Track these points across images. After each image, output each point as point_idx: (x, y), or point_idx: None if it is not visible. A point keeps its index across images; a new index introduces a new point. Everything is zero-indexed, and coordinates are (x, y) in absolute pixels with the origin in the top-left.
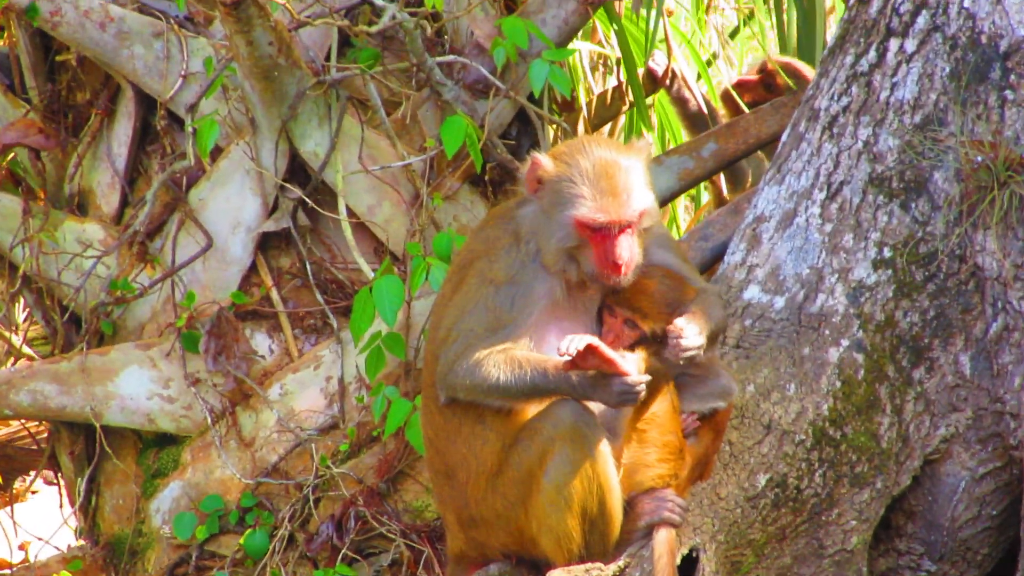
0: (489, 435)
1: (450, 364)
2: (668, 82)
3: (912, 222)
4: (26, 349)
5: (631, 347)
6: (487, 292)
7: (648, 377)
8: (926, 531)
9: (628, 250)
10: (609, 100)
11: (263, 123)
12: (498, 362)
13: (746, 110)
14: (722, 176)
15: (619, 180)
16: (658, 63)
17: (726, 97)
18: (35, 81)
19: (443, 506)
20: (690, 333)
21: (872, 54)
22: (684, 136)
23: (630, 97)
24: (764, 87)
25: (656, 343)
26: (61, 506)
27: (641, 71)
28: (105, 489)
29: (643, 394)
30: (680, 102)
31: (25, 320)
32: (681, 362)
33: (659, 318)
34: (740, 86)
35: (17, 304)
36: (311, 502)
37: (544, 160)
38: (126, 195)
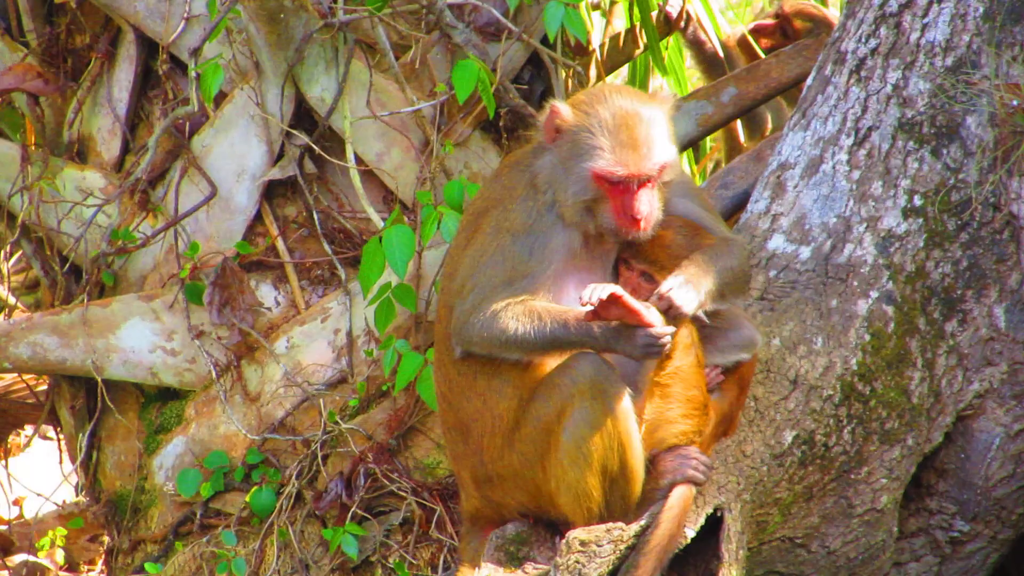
0: (506, 389)
1: (466, 316)
2: (683, 24)
3: (944, 169)
4: (12, 300)
5: (648, 299)
6: (503, 242)
7: (674, 329)
8: (958, 490)
9: (647, 204)
10: (622, 43)
11: (268, 67)
12: (516, 313)
13: (763, 56)
14: (739, 122)
15: (640, 132)
16: (673, 5)
17: (743, 43)
18: (33, 24)
19: (457, 464)
20: (678, 294)
21: None
22: (693, 83)
23: (644, 40)
24: (781, 32)
25: None
26: (61, 462)
27: (655, 13)
28: (106, 445)
29: (668, 346)
30: (696, 45)
31: (19, 269)
32: (680, 317)
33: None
34: (757, 31)
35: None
36: (319, 459)
37: (563, 108)
38: (127, 142)
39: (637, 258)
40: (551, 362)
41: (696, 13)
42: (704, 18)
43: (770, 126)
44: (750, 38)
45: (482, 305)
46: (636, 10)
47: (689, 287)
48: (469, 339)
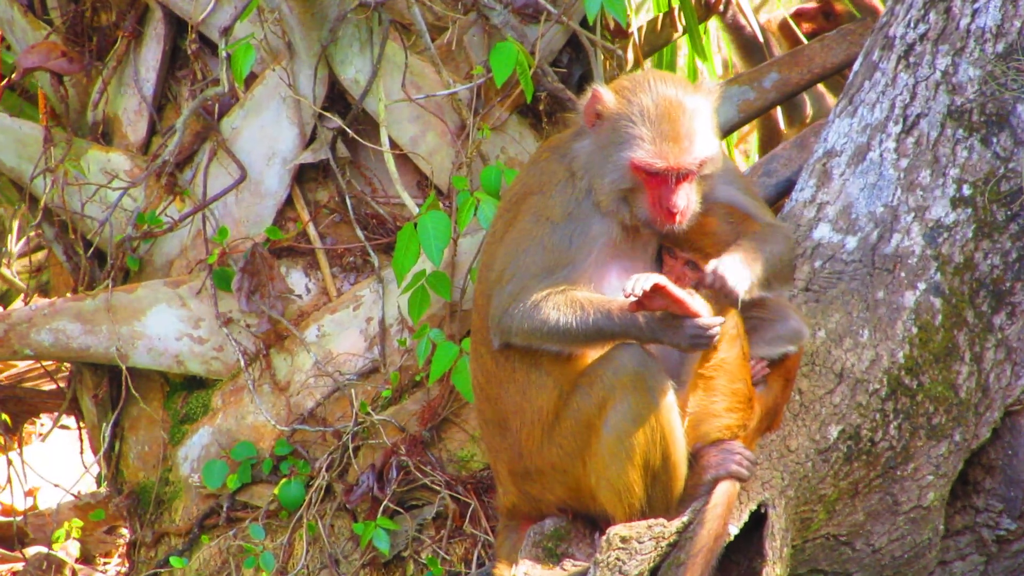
0: (546, 381)
1: (505, 307)
2: (722, 8)
3: (993, 157)
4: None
5: (693, 287)
6: (543, 230)
7: (723, 320)
8: (1005, 487)
9: (685, 198)
10: (660, 27)
11: (301, 48)
12: (558, 304)
13: (804, 40)
14: (779, 109)
15: (682, 124)
16: None
17: (783, 27)
18: (57, 1)
19: (494, 457)
20: (731, 271)
21: None
22: (733, 68)
23: (682, 23)
24: (823, 16)
25: None
26: (81, 452)
27: None
28: (130, 435)
29: (716, 337)
30: (735, 29)
31: (22, 253)
32: (727, 303)
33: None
34: (799, 15)
35: (10, 235)
36: (350, 451)
37: (605, 93)
38: (154, 123)
39: (681, 246)
40: (592, 354)
41: None
42: (744, 1)
43: (810, 113)
44: (791, 22)
45: (522, 295)
46: None
47: (740, 267)
48: (509, 330)
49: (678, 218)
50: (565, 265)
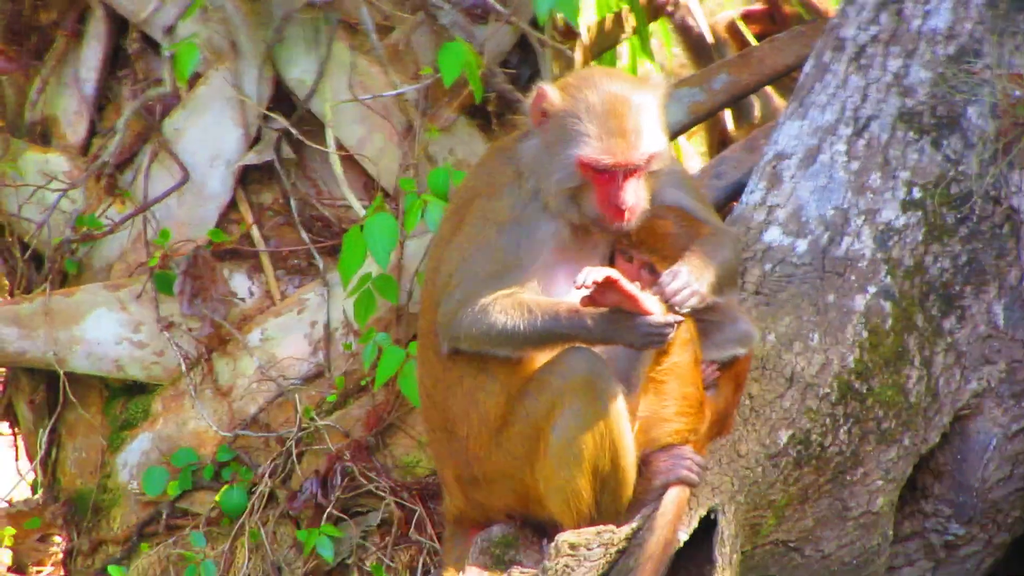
0: (493, 386)
1: (453, 312)
2: (671, 9)
3: (944, 161)
4: None
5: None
6: (490, 233)
7: (678, 318)
8: (954, 492)
9: (633, 195)
10: (609, 27)
11: (246, 47)
12: (505, 307)
13: (753, 42)
14: (727, 111)
15: (628, 120)
16: None
17: (731, 29)
18: None
19: (441, 464)
20: (684, 283)
21: None
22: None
23: (631, 23)
24: (770, 18)
25: None
26: (16, 459)
27: None
28: (67, 441)
29: (670, 335)
30: (683, 30)
31: None
32: (682, 312)
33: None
34: (746, 17)
35: None
36: (293, 457)
37: (551, 91)
38: (94, 124)
39: (638, 248)
40: (542, 358)
41: None
42: (692, 2)
43: (758, 115)
44: (740, 23)
45: (469, 300)
46: None
47: (693, 278)
48: (457, 335)
49: (626, 215)
50: (512, 269)
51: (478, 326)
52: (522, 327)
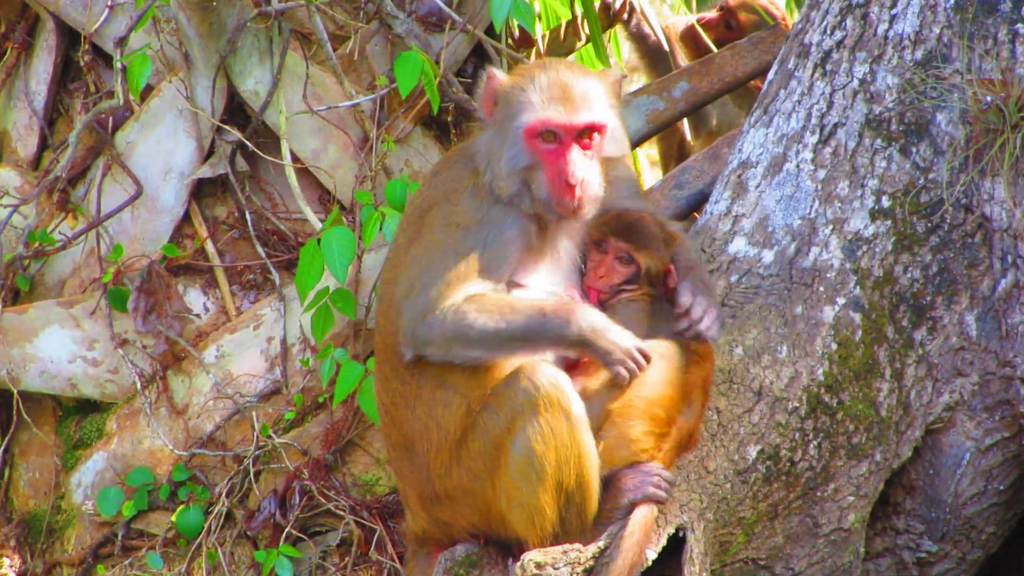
0: (452, 399)
1: (420, 316)
2: (626, 16)
3: (913, 168)
4: None
5: (623, 284)
6: (455, 237)
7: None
8: (927, 508)
9: (582, 168)
10: (563, 35)
11: (199, 59)
12: (484, 306)
13: (713, 48)
14: (684, 120)
15: (575, 88)
16: None
17: (687, 36)
18: None
19: (402, 482)
20: (702, 307)
21: None
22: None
23: (586, 31)
24: (725, 25)
25: (649, 282)
26: None
27: (597, 4)
28: (20, 461)
29: (641, 368)
30: (639, 38)
31: None
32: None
33: (655, 254)
34: (702, 25)
35: None
36: (251, 475)
37: (498, 73)
38: (45, 137)
39: (615, 237)
40: (501, 370)
41: (640, 4)
42: (648, 10)
43: (715, 122)
44: (699, 29)
45: (438, 302)
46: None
47: (710, 301)
48: (425, 339)
49: (577, 192)
50: (482, 270)
51: (453, 327)
52: (503, 326)
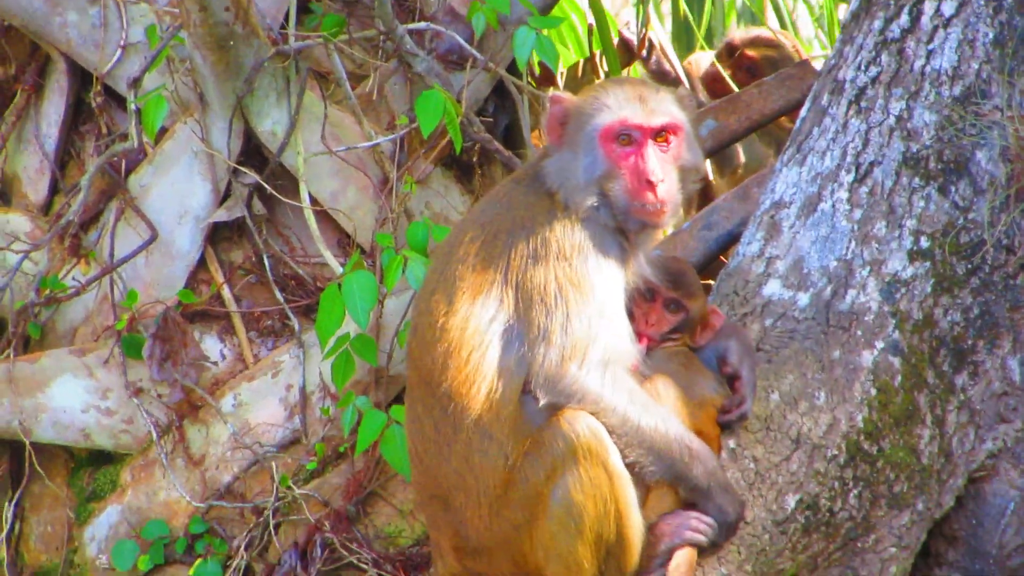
0: (490, 448)
1: (563, 364)
2: (645, 53)
3: (952, 208)
4: None
5: (673, 332)
6: (560, 268)
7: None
8: (969, 559)
9: (661, 168)
10: (581, 72)
11: (215, 99)
12: (635, 397)
13: (735, 89)
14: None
15: (648, 91)
16: (632, 32)
17: (707, 78)
18: None
19: (435, 531)
20: (749, 386)
21: (904, 18)
22: None
23: (604, 68)
24: (738, 66)
25: (694, 327)
26: None
27: (616, 40)
28: (31, 514)
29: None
30: (659, 76)
31: None
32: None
33: (701, 299)
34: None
35: None
36: (271, 528)
37: (566, 95)
38: (56, 181)
39: (664, 284)
40: (541, 418)
41: (660, 41)
42: (668, 47)
43: (742, 161)
44: (719, 68)
45: (576, 352)
46: (596, 38)
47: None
48: (569, 392)
49: (660, 191)
50: (605, 305)
51: (602, 394)
52: (650, 444)
